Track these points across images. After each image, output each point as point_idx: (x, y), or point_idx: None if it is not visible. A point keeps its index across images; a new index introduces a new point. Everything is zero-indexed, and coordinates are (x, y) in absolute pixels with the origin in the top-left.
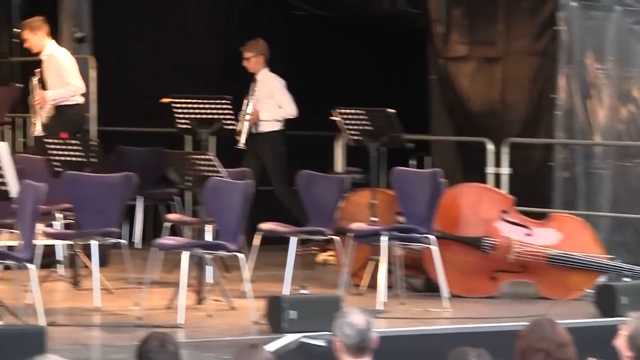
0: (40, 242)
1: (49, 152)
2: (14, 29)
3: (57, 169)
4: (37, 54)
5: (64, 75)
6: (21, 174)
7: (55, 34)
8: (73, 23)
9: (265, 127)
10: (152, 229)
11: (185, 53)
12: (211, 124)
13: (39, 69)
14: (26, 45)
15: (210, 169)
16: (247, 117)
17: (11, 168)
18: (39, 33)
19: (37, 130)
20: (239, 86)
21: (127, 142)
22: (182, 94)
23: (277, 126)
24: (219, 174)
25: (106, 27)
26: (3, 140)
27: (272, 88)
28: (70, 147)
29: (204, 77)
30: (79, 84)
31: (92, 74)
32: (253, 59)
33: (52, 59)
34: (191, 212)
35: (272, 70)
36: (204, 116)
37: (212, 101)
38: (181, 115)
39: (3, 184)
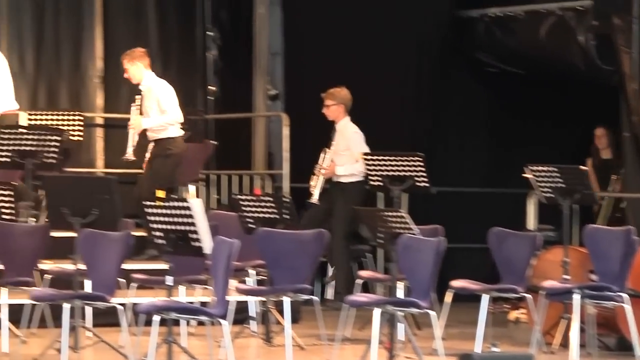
0: (233, 298)
1: (242, 209)
2: (209, 87)
3: (250, 225)
4: (232, 109)
5: (162, 105)
6: (215, 231)
7: (249, 91)
8: (267, 81)
9: (341, 177)
10: (345, 286)
11: (375, 111)
12: (403, 181)
13: (139, 96)
14: (125, 75)
15: (403, 226)
16: (323, 170)
17: (205, 224)
18: (137, 63)
19: (128, 153)
20: (428, 143)
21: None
22: (373, 151)
23: (353, 177)
24: (412, 231)
25: (297, 85)
26: (197, 196)
27: (349, 139)
28: (263, 204)
29: (394, 135)
30: (176, 114)
31: (285, 131)
32: (333, 107)
33: (151, 91)
34: (383, 269)
35: (462, 128)
36: (396, 173)
37: (404, 158)
38: (373, 172)
39: (197, 240)
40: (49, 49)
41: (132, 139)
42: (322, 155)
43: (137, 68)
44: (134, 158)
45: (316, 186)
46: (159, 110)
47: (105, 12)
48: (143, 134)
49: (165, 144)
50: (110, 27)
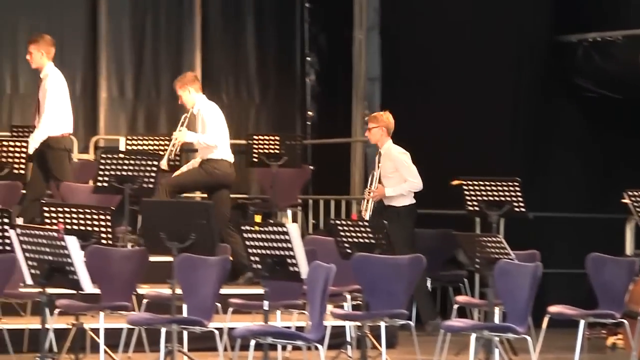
0: (330, 323)
1: (339, 233)
2: (308, 112)
3: (347, 250)
4: (328, 134)
5: (205, 126)
6: (312, 255)
7: (347, 116)
8: (364, 106)
9: (394, 201)
10: (441, 311)
11: (472, 136)
12: (501, 206)
13: (185, 115)
14: (179, 102)
15: (500, 251)
16: (371, 193)
17: (301, 249)
18: (189, 88)
19: (162, 164)
20: (526, 167)
21: (416, 224)
22: (470, 176)
23: (406, 201)
24: (509, 256)
25: (393, 110)
26: (295, 221)
27: (396, 161)
28: (360, 229)
29: (491, 159)
30: (215, 137)
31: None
32: (374, 130)
33: (199, 115)
34: (479, 294)
35: (560, 152)
36: (493, 198)
37: (502, 183)
38: (471, 197)
39: (294, 264)
40: (148, 75)
41: (172, 150)
42: (370, 177)
43: (189, 93)
44: (167, 169)
45: (367, 209)
46: (205, 131)
47: (204, 38)
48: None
49: (212, 164)
50: (209, 52)
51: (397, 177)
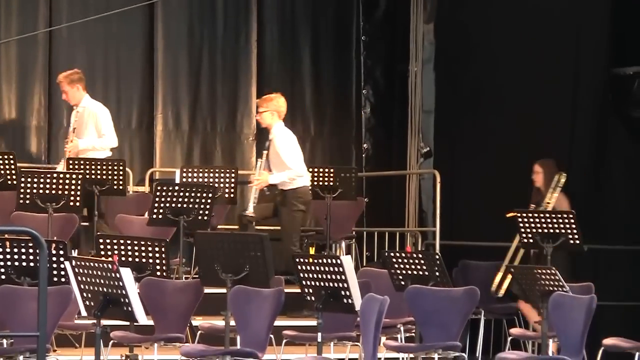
0: (383, 355)
1: (393, 265)
2: (364, 145)
3: (400, 282)
4: (382, 166)
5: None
6: (365, 287)
7: (401, 149)
8: (419, 139)
9: (284, 185)
10: (494, 343)
11: (528, 169)
12: (556, 239)
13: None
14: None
15: (554, 283)
16: (256, 181)
17: (355, 281)
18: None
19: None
20: (580, 198)
21: (470, 256)
22: (525, 209)
23: (295, 184)
24: (563, 289)
25: (446, 143)
26: (349, 253)
27: (279, 147)
28: (413, 261)
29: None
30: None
31: (438, 188)
32: (265, 114)
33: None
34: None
35: (615, 184)
36: (548, 230)
37: (556, 215)
38: (526, 230)
39: (348, 296)
40: (204, 107)
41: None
42: (257, 164)
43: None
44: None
45: (252, 197)
46: (278, 164)
47: (259, 71)
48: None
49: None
50: (265, 85)
51: (281, 164)
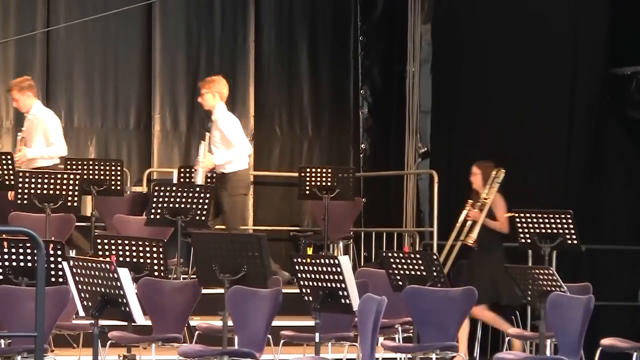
0: (381, 355)
1: (391, 266)
2: (361, 145)
3: (398, 282)
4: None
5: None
6: (363, 287)
7: (398, 149)
8: (417, 139)
9: (224, 168)
10: (492, 343)
11: (526, 169)
12: (554, 239)
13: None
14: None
15: (552, 283)
16: (201, 163)
17: (353, 281)
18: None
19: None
20: (578, 199)
21: (467, 256)
22: (523, 208)
23: (234, 167)
24: (561, 289)
25: (443, 143)
26: (346, 253)
27: (222, 128)
28: (411, 261)
29: (544, 191)
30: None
31: (436, 188)
32: (207, 96)
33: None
34: (531, 326)
35: (612, 184)
36: (546, 230)
37: (554, 215)
38: (524, 230)
39: (346, 297)
40: (201, 108)
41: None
42: (201, 147)
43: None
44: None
45: (197, 178)
46: (221, 145)
47: (257, 72)
48: None
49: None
50: (263, 86)
51: (226, 144)
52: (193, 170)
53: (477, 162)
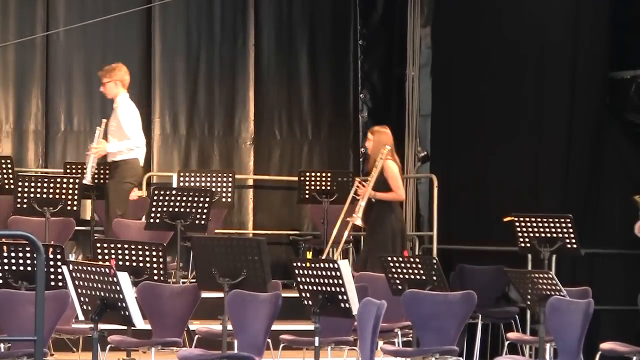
0: (380, 359)
1: (390, 270)
2: (361, 149)
3: (397, 286)
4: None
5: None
6: (363, 292)
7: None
8: (417, 143)
9: (114, 156)
10: (491, 347)
11: (524, 172)
12: (553, 243)
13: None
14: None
15: (552, 287)
16: (93, 150)
17: (352, 285)
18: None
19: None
20: (578, 203)
21: (467, 260)
22: (522, 213)
23: (125, 155)
24: (560, 293)
25: (443, 147)
26: (346, 258)
27: (120, 117)
28: (411, 265)
29: (545, 195)
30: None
31: (435, 192)
32: (109, 85)
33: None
34: (530, 330)
35: (612, 188)
36: (545, 235)
37: (554, 219)
38: (523, 234)
39: (345, 301)
40: (202, 111)
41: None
42: (96, 132)
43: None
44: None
45: (88, 167)
46: (117, 133)
47: (257, 75)
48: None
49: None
50: (262, 89)
51: (121, 133)
52: (85, 154)
53: (372, 128)
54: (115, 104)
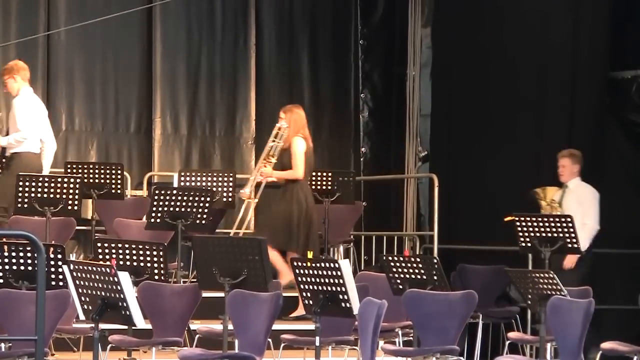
0: (381, 358)
1: (391, 269)
2: (361, 149)
3: (398, 286)
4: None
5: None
6: (363, 291)
7: (399, 153)
8: (417, 142)
9: (9, 150)
10: (492, 347)
11: (524, 172)
12: (554, 243)
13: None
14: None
15: (552, 287)
16: None
17: (353, 285)
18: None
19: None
20: None
21: (468, 260)
22: (523, 212)
23: (17, 148)
24: (561, 293)
25: (443, 147)
26: (347, 257)
27: (13, 108)
28: (411, 265)
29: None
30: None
31: (436, 192)
32: (9, 81)
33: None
34: (531, 330)
35: (613, 188)
36: (546, 234)
37: (555, 219)
38: (524, 233)
39: (346, 300)
40: (203, 111)
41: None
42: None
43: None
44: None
45: None
46: (13, 126)
47: (258, 75)
48: None
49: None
50: (264, 89)
51: (14, 127)
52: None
53: (284, 107)
54: (15, 99)
